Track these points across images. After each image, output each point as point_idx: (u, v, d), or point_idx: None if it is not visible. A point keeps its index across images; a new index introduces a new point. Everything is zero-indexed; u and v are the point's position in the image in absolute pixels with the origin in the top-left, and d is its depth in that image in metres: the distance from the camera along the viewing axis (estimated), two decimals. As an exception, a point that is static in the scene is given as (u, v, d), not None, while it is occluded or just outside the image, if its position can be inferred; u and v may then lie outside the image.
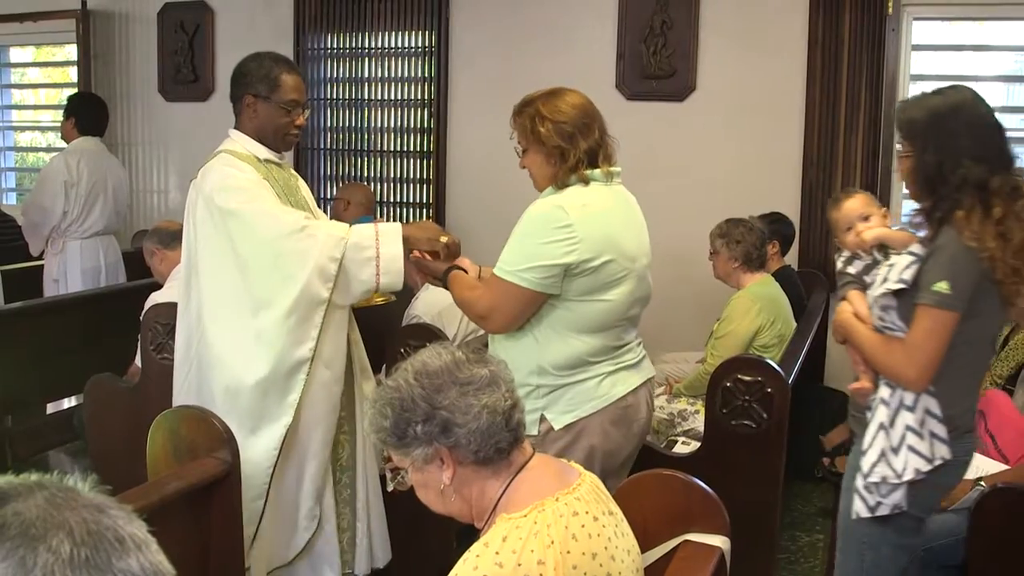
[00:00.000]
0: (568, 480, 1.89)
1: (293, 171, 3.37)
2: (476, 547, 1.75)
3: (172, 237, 4.58)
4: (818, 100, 5.74)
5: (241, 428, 2.91)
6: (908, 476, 2.51)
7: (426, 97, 6.76)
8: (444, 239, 3.11)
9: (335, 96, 6.99)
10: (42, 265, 5.94)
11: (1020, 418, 3.52)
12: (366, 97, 6.92)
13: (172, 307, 4.00)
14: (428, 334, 3.70)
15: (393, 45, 6.82)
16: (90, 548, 0.89)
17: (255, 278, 2.94)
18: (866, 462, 2.59)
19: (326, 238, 2.92)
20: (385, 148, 6.93)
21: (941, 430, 2.52)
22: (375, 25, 6.79)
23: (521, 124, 2.93)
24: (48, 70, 8.86)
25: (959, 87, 2.61)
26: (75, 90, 7.40)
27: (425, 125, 6.80)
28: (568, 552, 1.74)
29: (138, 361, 4.33)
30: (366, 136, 6.95)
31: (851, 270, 2.85)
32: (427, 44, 6.70)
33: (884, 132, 5.61)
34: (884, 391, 2.60)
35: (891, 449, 2.55)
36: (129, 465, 3.39)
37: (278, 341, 2.93)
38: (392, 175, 6.93)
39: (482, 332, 4.07)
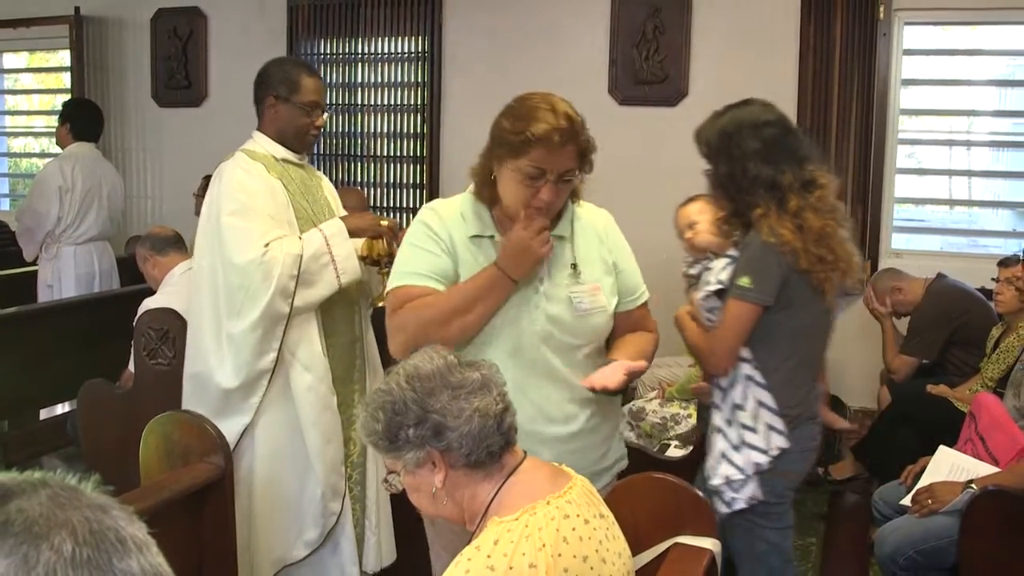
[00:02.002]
0: (559, 484, 1.89)
1: (317, 172, 3.50)
2: (468, 550, 1.76)
3: (165, 243, 4.58)
4: (810, 105, 5.76)
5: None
6: (750, 471, 2.65)
7: (419, 102, 6.77)
8: (384, 222, 3.24)
9: (328, 101, 6.99)
10: (36, 270, 5.94)
11: (1010, 421, 3.53)
12: (359, 102, 6.93)
13: (165, 313, 4.02)
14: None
15: (386, 50, 6.84)
16: (92, 548, 0.89)
17: (228, 287, 3.08)
18: (708, 467, 2.75)
19: (285, 258, 3.03)
20: (379, 153, 6.95)
21: (777, 422, 2.66)
22: (368, 31, 6.80)
23: (582, 146, 2.48)
24: (41, 76, 8.87)
25: (746, 100, 2.82)
26: (68, 96, 7.41)
27: (418, 130, 6.81)
28: (559, 555, 1.75)
29: (131, 366, 4.33)
30: (359, 141, 6.97)
31: (692, 272, 3.08)
32: (420, 49, 6.72)
33: (876, 136, 5.64)
34: (716, 395, 2.76)
35: (732, 448, 2.69)
36: (123, 470, 3.39)
37: (244, 349, 3.07)
38: (386, 180, 6.94)
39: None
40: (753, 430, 2.66)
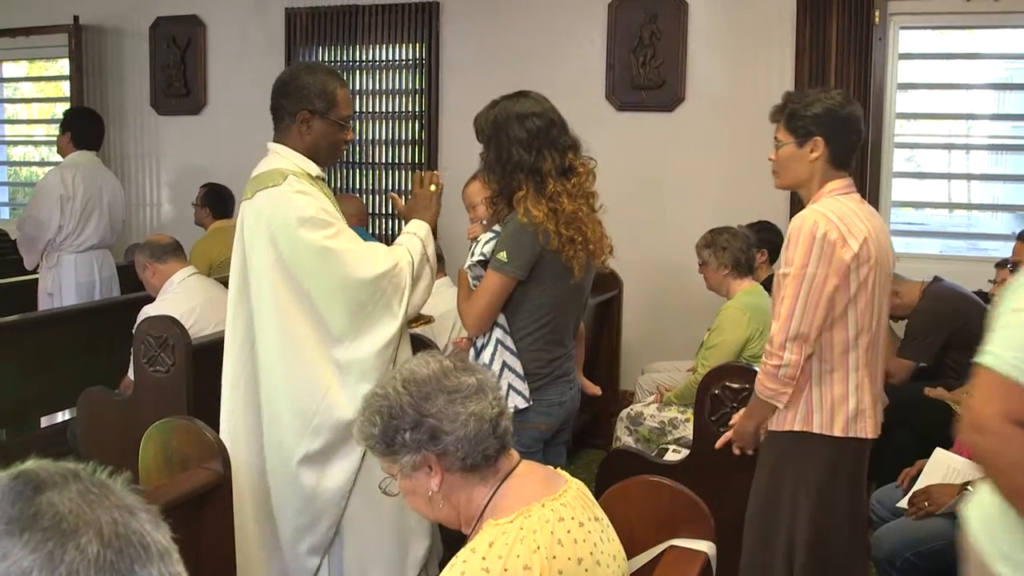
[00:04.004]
0: (554, 486, 1.91)
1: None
2: (463, 553, 1.77)
3: (164, 250, 4.60)
4: (806, 109, 5.77)
5: (320, 461, 2.99)
6: None
7: (417, 109, 6.79)
8: (432, 187, 3.20)
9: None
10: (36, 279, 5.95)
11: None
12: (357, 109, 6.93)
13: (164, 320, 4.03)
14: (418, 344, 3.72)
15: (383, 58, 6.87)
16: (116, 552, 0.89)
17: (344, 311, 2.92)
18: None
19: (407, 268, 3.01)
20: (376, 160, 6.97)
21: (519, 383, 2.99)
22: (365, 38, 6.83)
23: None
24: (41, 84, 8.90)
25: (522, 92, 3.08)
26: (68, 104, 7.43)
27: (416, 137, 6.83)
28: (554, 557, 1.76)
29: (131, 374, 4.34)
30: (357, 148, 6.98)
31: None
32: (417, 56, 6.74)
33: (872, 140, 5.65)
34: (471, 354, 3.04)
35: None
36: (122, 477, 3.39)
37: (374, 372, 2.92)
38: (384, 187, 6.96)
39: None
40: None
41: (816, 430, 2.88)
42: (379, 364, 2.94)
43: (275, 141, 3.09)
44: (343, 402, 2.93)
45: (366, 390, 2.83)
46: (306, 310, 2.93)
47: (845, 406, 2.88)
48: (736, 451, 3.16)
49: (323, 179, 3.14)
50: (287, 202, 2.91)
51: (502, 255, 2.95)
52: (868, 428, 2.92)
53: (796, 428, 2.91)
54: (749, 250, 4.64)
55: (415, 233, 3.10)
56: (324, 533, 3.04)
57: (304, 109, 3.00)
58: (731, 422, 3.21)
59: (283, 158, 3.03)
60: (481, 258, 3.06)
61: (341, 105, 3.05)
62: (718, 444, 3.24)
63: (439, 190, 3.21)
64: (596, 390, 3.74)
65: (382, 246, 3.05)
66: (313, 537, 3.04)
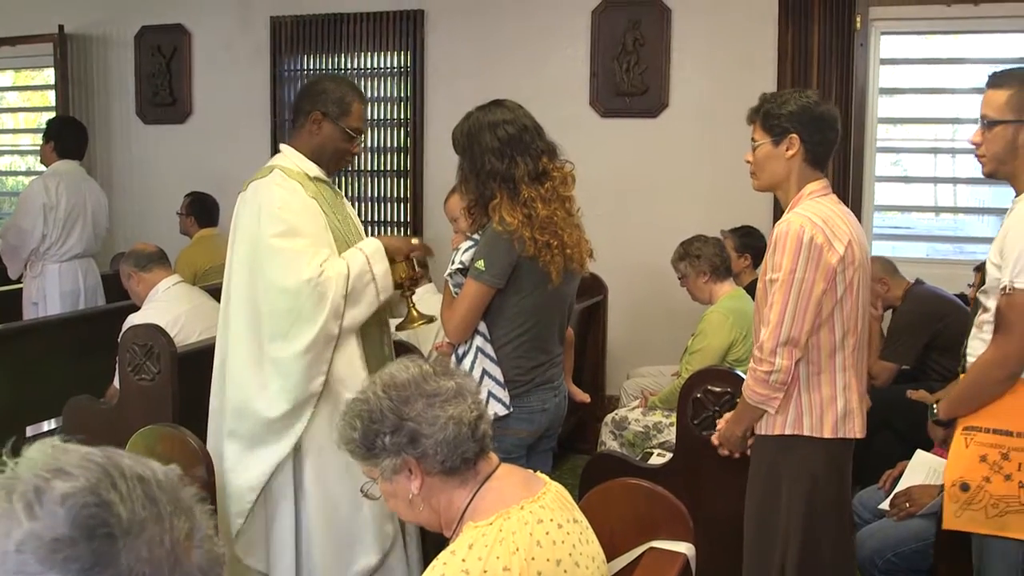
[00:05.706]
0: (534, 489, 1.92)
1: (337, 189, 3.41)
2: (443, 555, 1.78)
3: (148, 259, 4.60)
4: (789, 115, 5.80)
5: (240, 446, 3.07)
6: None
7: (403, 116, 6.81)
8: (415, 240, 3.27)
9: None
10: (21, 288, 5.95)
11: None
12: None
13: (150, 328, 4.03)
14: (401, 348, 3.73)
15: (368, 66, 6.89)
16: None
17: (274, 311, 3.02)
18: None
19: (337, 278, 3.01)
20: (362, 168, 6.98)
21: (499, 391, 3.00)
22: (350, 46, 6.85)
23: None
24: (27, 94, 8.89)
25: (496, 101, 3.09)
26: (53, 114, 7.43)
27: (402, 144, 6.85)
28: (533, 559, 1.78)
29: (116, 382, 4.34)
30: (344, 156, 6.98)
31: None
32: (402, 64, 6.77)
33: (854, 144, 5.69)
34: (453, 361, 3.05)
35: None
36: (107, 485, 3.39)
37: (294, 374, 3.01)
38: (370, 194, 6.98)
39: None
40: None
41: (807, 433, 2.89)
42: (297, 369, 3.01)
43: (286, 142, 3.26)
44: (267, 397, 3.03)
45: (278, 386, 2.98)
46: (255, 303, 3.05)
47: (834, 407, 2.88)
48: (724, 453, 3.17)
49: (324, 181, 3.22)
50: (267, 193, 3.06)
51: (480, 263, 2.96)
52: (856, 428, 2.93)
53: (787, 432, 2.91)
54: (722, 252, 4.66)
55: (362, 248, 3.13)
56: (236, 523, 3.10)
57: (317, 110, 3.15)
58: (718, 427, 3.21)
59: (285, 157, 3.19)
60: (460, 266, 3.08)
61: (353, 116, 3.19)
62: (713, 441, 3.25)
63: (417, 247, 3.27)
64: (585, 397, 3.75)
65: (321, 254, 3.06)
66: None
